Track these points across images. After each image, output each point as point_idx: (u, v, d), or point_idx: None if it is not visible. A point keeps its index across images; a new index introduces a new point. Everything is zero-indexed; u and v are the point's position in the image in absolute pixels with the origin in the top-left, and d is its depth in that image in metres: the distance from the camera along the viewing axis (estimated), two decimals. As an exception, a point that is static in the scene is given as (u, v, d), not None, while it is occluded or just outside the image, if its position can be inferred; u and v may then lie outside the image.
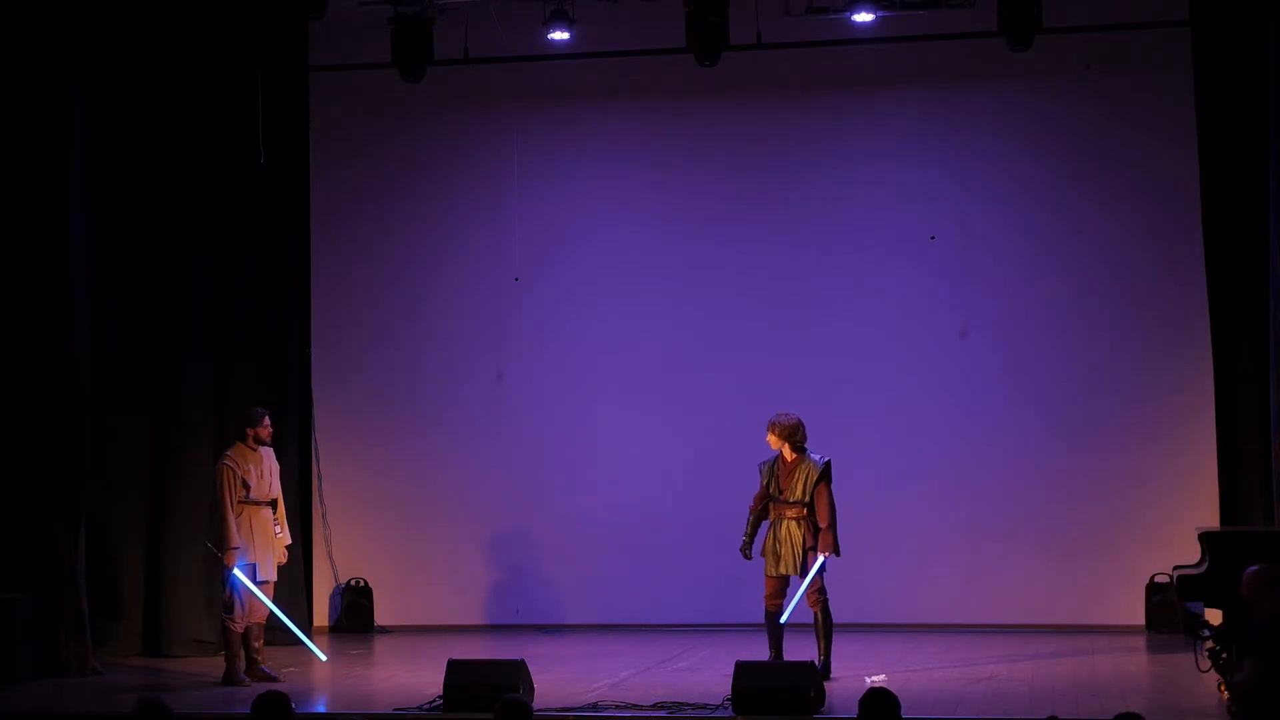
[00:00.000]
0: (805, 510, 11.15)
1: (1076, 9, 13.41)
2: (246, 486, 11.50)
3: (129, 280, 13.18)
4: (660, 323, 14.35)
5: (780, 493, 11.22)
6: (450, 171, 14.67)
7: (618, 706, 10.10)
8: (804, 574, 11.07)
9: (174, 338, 13.29)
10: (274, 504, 11.72)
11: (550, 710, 9.94)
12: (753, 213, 14.28)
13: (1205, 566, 10.41)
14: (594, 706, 10.08)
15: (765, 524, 11.33)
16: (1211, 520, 12.86)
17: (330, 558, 14.51)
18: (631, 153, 14.55)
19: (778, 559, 11.15)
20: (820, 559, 11.08)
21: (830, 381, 14.01)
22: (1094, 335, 13.79)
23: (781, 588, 11.20)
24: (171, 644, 12.97)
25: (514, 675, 10.06)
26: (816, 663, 10.69)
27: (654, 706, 10.07)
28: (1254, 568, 8.38)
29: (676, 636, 13.32)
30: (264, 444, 11.70)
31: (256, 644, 11.62)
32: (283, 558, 11.78)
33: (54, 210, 12.13)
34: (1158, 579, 13.19)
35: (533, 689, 10.21)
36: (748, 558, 11.29)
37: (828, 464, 11.19)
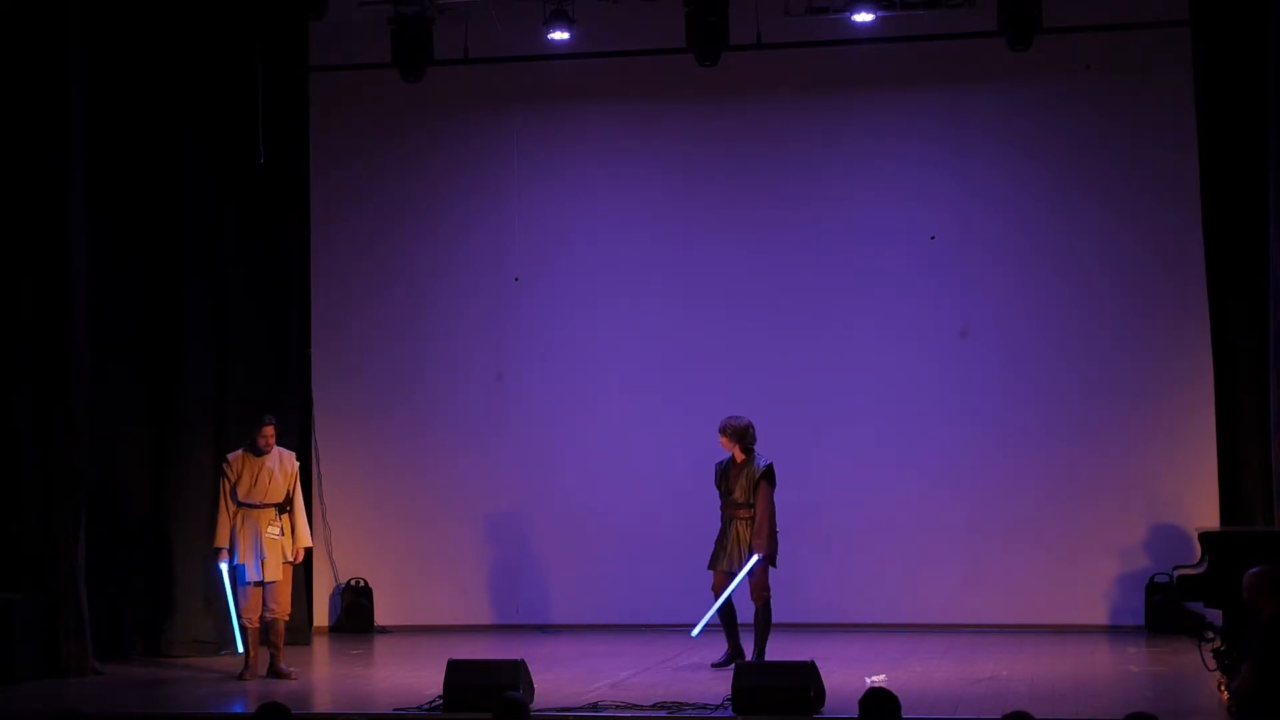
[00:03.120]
0: (751, 511, 11.56)
1: (1076, 9, 13.40)
2: (236, 491, 11.67)
3: (129, 280, 13.18)
4: (660, 322, 14.35)
5: (729, 493, 11.62)
6: (450, 171, 14.67)
7: (618, 706, 10.10)
8: (738, 570, 11.55)
9: (174, 338, 13.29)
10: (280, 507, 11.80)
11: (550, 710, 9.95)
12: (752, 213, 14.28)
13: (1205, 566, 10.42)
14: (594, 706, 10.08)
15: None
16: (1211, 520, 12.86)
17: (330, 558, 14.51)
18: (631, 153, 14.55)
19: (720, 556, 11.63)
20: (754, 558, 11.46)
21: (830, 381, 14.03)
22: (1094, 335, 13.80)
23: (726, 583, 11.63)
24: (171, 644, 12.98)
25: (514, 675, 10.06)
26: (749, 656, 11.42)
27: (654, 706, 10.07)
28: (1255, 570, 8.38)
29: (676, 636, 13.31)
30: (261, 452, 11.77)
31: (275, 639, 11.77)
32: (290, 557, 11.84)
33: (54, 210, 12.13)
34: (1158, 579, 13.19)
35: (533, 689, 10.21)
36: None
37: (769, 467, 11.58)
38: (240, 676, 11.66)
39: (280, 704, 7.28)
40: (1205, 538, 10.61)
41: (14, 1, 12.13)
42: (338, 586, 14.52)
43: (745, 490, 11.55)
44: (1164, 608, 13.08)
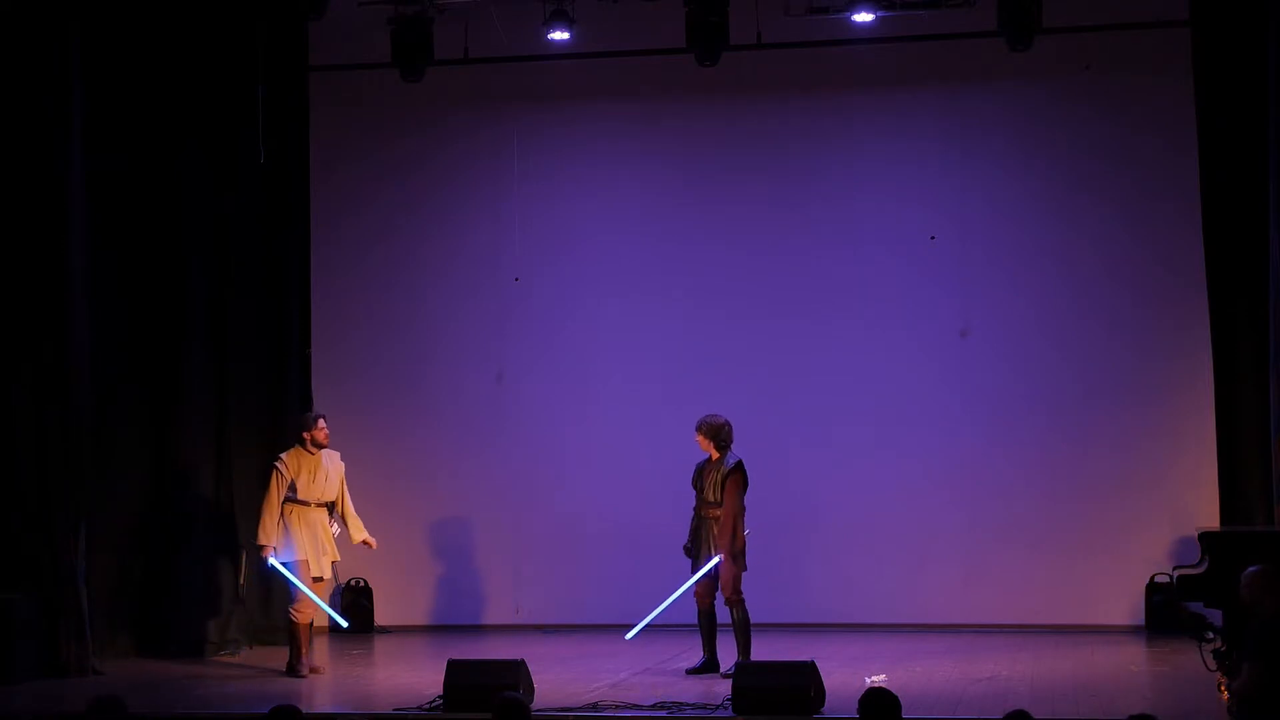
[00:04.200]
0: (720, 510, 11.45)
1: (1076, 9, 13.41)
2: (294, 488, 11.78)
3: (129, 280, 13.18)
4: (660, 322, 14.35)
5: (702, 492, 11.56)
6: (450, 171, 14.67)
7: (618, 706, 10.10)
8: (700, 569, 11.43)
9: (174, 338, 13.29)
10: (331, 505, 11.97)
11: (550, 710, 9.95)
12: (752, 213, 14.28)
13: (1205, 566, 10.42)
14: (594, 706, 10.08)
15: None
16: (1211, 520, 12.86)
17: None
18: (631, 153, 14.55)
19: (696, 557, 11.52)
20: (715, 559, 11.35)
21: (830, 381, 14.03)
22: (1094, 335, 13.80)
23: (710, 586, 11.50)
24: (172, 644, 12.97)
25: (514, 675, 10.06)
26: (725, 666, 11.19)
27: (654, 706, 10.07)
28: (1253, 568, 8.37)
29: (677, 636, 13.31)
30: (321, 446, 11.92)
31: (309, 635, 11.94)
32: (337, 556, 12.09)
33: (54, 211, 12.13)
34: (1158, 579, 13.20)
35: (533, 689, 10.22)
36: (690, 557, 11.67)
37: (737, 465, 11.45)
38: (298, 674, 11.70)
39: (292, 706, 7.28)
40: (1205, 538, 10.61)
41: (14, 2, 12.13)
42: (338, 586, 14.50)
43: (715, 489, 11.46)
44: (1164, 608, 13.07)
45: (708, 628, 11.55)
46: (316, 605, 11.93)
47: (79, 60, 12.21)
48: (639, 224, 14.48)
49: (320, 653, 13.07)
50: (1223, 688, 8.66)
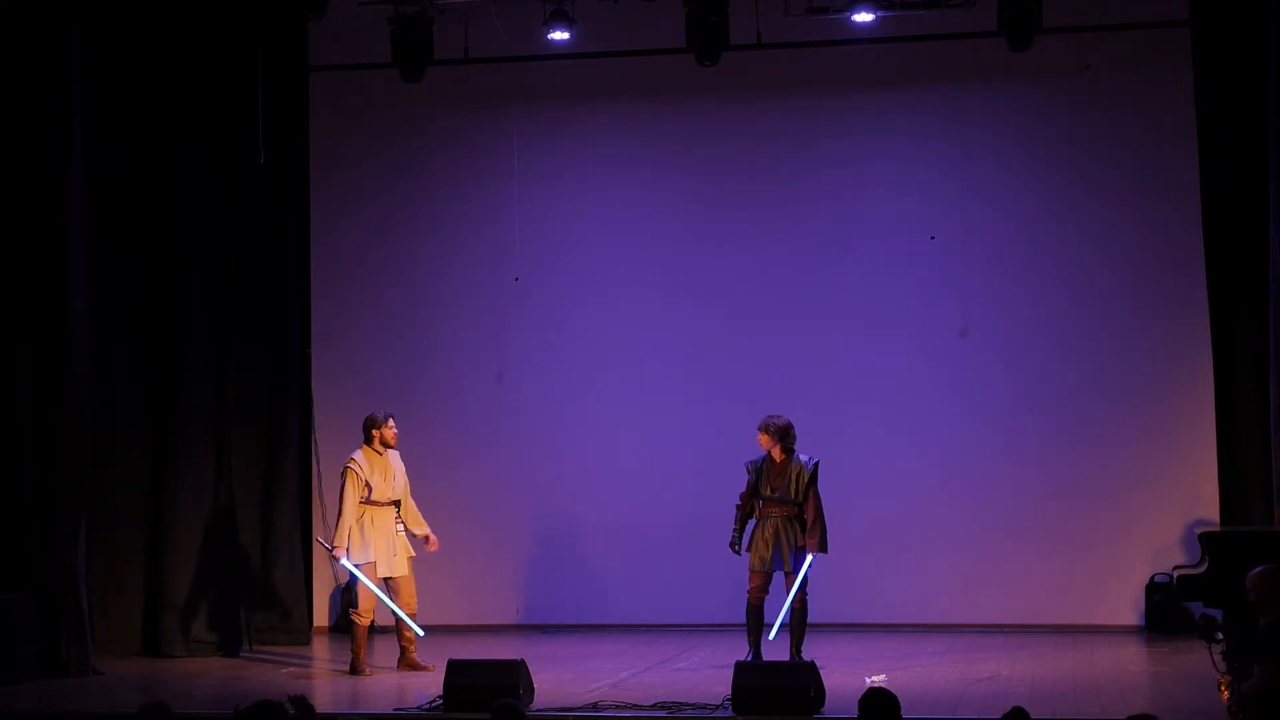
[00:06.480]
0: (796, 509, 11.46)
1: (1076, 9, 13.41)
2: (369, 488, 11.86)
3: (129, 280, 13.18)
4: (660, 322, 14.35)
5: (773, 492, 11.51)
6: (450, 171, 14.67)
7: (618, 706, 10.10)
8: (795, 570, 11.39)
9: (174, 338, 13.29)
10: (397, 504, 12.03)
11: (550, 710, 9.95)
12: (752, 213, 14.28)
13: (1205, 566, 10.43)
14: (594, 706, 10.08)
15: (751, 521, 11.65)
16: (1211, 520, 12.87)
17: (330, 558, 14.49)
18: (631, 153, 14.55)
19: (765, 556, 11.45)
20: (810, 557, 11.39)
21: (830, 381, 14.02)
22: (1094, 335, 13.80)
23: (766, 583, 11.54)
24: (171, 644, 12.97)
25: (514, 675, 10.06)
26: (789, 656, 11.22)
27: (654, 706, 10.07)
28: (1259, 569, 8.31)
29: (676, 636, 13.33)
30: (389, 447, 12.02)
31: (408, 633, 11.98)
32: (412, 552, 12.14)
33: (54, 211, 12.13)
34: (1158, 579, 13.20)
35: (533, 689, 10.22)
36: (738, 554, 11.62)
37: (817, 465, 11.54)
38: (360, 672, 11.79)
39: (276, 702, 7.25)
40: (1205, 538, 10.61)
41: (14, 2, 12.13)
42: (338, 587, 14.50)
43: (790, 488, 11.45)
44: (1164, 608, 13.09)
45: (758, 624, 11.54)
46: (380, 607, 12.01)
47: (79, 60, 12.22)
48: (639, 224, 14.47)
49: (319, 653, 13.10)
50: (1223, 687, 8.65)
